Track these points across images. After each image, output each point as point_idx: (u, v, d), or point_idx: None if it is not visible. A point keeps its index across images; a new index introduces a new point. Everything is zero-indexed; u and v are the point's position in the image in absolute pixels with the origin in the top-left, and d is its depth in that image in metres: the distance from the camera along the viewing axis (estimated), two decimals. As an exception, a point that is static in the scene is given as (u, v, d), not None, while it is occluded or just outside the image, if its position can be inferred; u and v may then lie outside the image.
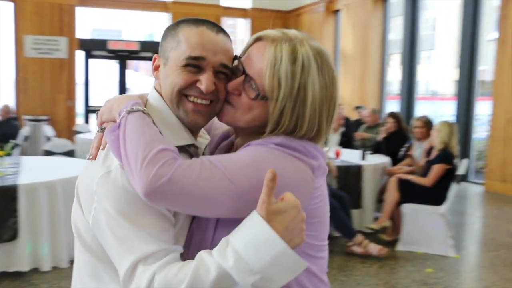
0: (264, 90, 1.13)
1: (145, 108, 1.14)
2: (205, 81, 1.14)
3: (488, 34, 9.36)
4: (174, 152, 1.05)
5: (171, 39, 1.19)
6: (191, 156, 1.18)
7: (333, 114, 1.18)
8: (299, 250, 1.02)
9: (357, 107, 9.29)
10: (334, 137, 6.47)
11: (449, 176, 4.76)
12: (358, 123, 8.27)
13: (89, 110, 11.89)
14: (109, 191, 1.07)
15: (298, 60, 1.12)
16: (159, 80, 1.23)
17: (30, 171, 4.49)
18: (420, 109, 10.23)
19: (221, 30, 1.20)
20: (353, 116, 9.10)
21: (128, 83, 12.51)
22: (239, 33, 13.76)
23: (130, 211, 1.05)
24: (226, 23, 16.15)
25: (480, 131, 9.61)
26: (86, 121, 11.84)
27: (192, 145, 1.21)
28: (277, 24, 13.28)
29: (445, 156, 4.78)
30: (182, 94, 1.17)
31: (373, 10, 10.54)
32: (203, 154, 1.29)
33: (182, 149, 1.16)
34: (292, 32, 1.19)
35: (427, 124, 5.52)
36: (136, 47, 12.27)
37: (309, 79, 1.12)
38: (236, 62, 1.21)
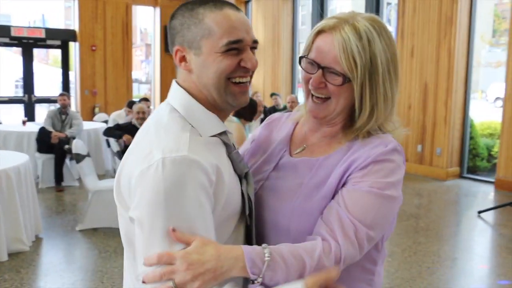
0: (346, 72, 1.21)
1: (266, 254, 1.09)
2: (249, 60, 1.19)
3: (388, 27, 10.16)
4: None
5: (195, 27, 1.16)
6: (224, 143, 1.21)
7: (398, 74, 1.29)
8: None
9: (272, 94, 9.73)
10: (256, 125, 6.79)
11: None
12: (274, 109, 8.69)
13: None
14: (149, 184, 1.05)
15: (363, 35, 1.21)
16: (190, 72, 1.21)
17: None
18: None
19: (237, 7, 1.23)
20: (268, 104, 9.52)
21: (35, 73, 11.92)
22: (149, 21, 13.61)
23: (169, 204, 1.04)
24: (137, 10, 15.90)
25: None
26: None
27: (224, 132, 1.22)
28: (188, 13, 13.40)
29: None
30: (227, 79, 1.18)
31: (282, 1, 10.98)
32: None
33: (214, 137, 1.19)
34: (342, 14, 1.27)
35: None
36: (42, 35, 11.73)
37: (376, 48, 1.21)
38: (304, 61, 1.30)
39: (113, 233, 4.84)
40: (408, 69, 8.19)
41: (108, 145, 6.04)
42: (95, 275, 3.90)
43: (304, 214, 1.23)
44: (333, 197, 1.21)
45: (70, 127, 7.09)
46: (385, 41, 1.24)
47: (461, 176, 7.94)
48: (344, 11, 1.34)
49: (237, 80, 1.19)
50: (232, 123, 4.36)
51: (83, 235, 4.84)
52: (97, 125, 8.28)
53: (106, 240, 4.70)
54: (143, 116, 5.60)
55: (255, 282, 1.05)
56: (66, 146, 6.76)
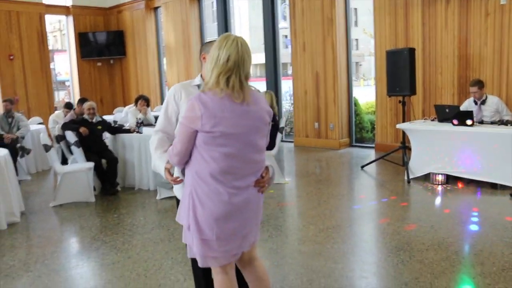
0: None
1: None
2: None
3: (280, 23, 11.82)
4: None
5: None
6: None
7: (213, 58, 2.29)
8: None
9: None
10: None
11: (275, 130, 6.89)
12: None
13: None
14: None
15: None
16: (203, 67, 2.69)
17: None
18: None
19: None
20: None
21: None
22: (69, 28, 14.28)
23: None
24: (52, 20, 16.34)
25: (285, 104, 12.27)
26: None
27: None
28: (99, 20, 14.32)
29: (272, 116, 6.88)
30: None
31: (190, 6, 12.31)
32: None
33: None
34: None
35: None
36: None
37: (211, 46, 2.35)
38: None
39: (78, 206, 6.04)
40: (302, 61, 9.97)
41: (60, 139, 7.06)
42: (70, 234, 5.13)
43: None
44: None
45: (18, 128, 8.00)
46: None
47: (351, 145, 9.87)
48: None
49: None
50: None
51: (56, 210, 5.98)
52: (35, 126, 9.15)
53: (75, 211, 5.88)
54: (93, 112, 6.78)
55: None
56: (18, 145, 7.71)
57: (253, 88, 2.36)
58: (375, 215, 5.29)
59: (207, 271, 2.65)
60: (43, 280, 3.81)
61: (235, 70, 2.22)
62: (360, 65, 33.46)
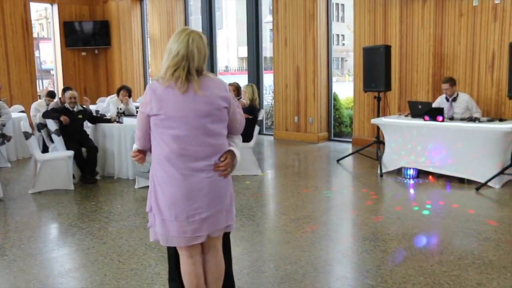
0: None
1: None
2: None
3: (265, 17, 11.98)
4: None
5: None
6: None
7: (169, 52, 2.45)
8: None
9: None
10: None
11: (253, 122, 7.03)
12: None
13: None
14: None
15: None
16: None
17: None
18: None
19: None
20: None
21: None
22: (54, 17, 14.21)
23: None
24: (38, 7, 16.23)
25: (267, 97, 12.41)
26: None
27: None
28: (85, 10, 14.29)
29: (251, 109, 7.03)
30: None
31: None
32: None
33: None
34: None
35: (238, 88, 7.66)
36: None
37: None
38: None
39: (57, 193, 6.15)
40: (283, 56, 10.12)
41: (42, 127, 7.13)
42: (48, 220, 5.24)
43: None
44: None
45: (-1, 116, 8.04)
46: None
47: (329, 139, 10.06)
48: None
49: None
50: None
51: (35, 197, 6.07)
52: (16, 114, 9.19)
53: (53, 198, 5.99)
54: (74, 101, 6.86)
55: None
56: (-1, 132, 7.75)
57: (209, 75, 2.51)
58: (346, 206, 5.48)
59: (177, 253, 2.79)
60: (18, 264, 3.92)
61: (182, 64, 2.39)
62: (346, 60, 33.69)
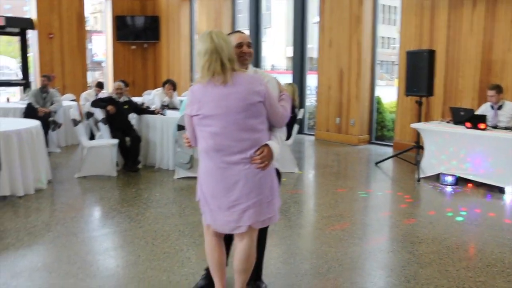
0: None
1: None
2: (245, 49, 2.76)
3: (313, 18, 12.01)
4: None
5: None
6: None
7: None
8: None
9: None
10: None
11: (292, 121, 7.12)
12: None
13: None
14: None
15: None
16: None
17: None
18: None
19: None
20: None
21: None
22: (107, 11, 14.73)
23: None
24: (94, 1, 16.89)
25: (311, 97, 12.46)
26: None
27: None
28: (136, 5, 14.75)
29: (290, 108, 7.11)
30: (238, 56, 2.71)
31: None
32: None
33: None
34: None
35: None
36: (2, 22, 12.67)
37: None
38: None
39: (101, 178, 6.44)
40: (327, 57, 10.15)
41: (90, 116, 7.48)
42: (90, 203, 5.51)
43: None
44: None
45: (51, 103, 8.47)
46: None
47: (370, 142, 10.02)
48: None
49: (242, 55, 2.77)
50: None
51: (80, 181, 6.39)
52: (67, 103, 9.63)
53: (97, 183, 6.28)
54: (120, 91, 7.16)
55: None
56: (50, 119, 8.18)
57: (243, 71, 2.65)
58: (378, 208, 5.49)
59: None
60: (61, 240, 4.19)
61: (214, 57, 2.52)
62: (396, 64, 33.11)
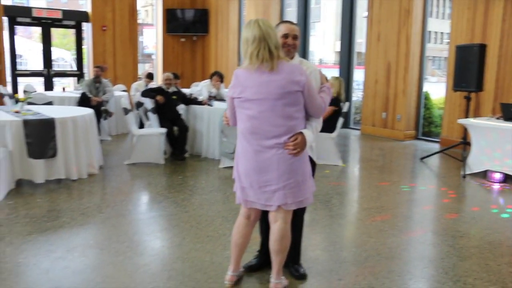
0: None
1: None
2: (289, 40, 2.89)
3: (363, 12, 11.91)
4: None
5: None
6: None
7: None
8: None
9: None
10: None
11: (337, 114, 7.15)
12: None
13: (17, 74, 12.77)
14: None
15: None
16: None
17: (46, 112, 6.09)
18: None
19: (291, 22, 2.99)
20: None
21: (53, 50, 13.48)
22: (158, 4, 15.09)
23: None
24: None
25: (358, 92, 12.40)
26: (14, 85, 12.72)
27: None
28: (187, -2, 15.04)
29: (336, 101, 7.15)
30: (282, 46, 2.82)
31: (273, -9, 12.66)
32: None
33: None
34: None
35: (326, 79, 7.81)
36: (59, 15, 13.24)
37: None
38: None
39: (149, 166, 6.70)
40: (375, 51, 10.07)
41: (139, 106, 7.76)
42: (139, 188, 5.75)
43: None
44: None
45: (103, 93, 8.84)
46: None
47: (416, 137, 9.89)
48: None
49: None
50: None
51: (129, 167, 6.67)
52: (118, 93, 9.99)
53: (145, 169, 6.54)
54: (169, 82, 7.39)
55: None
56: (102, 108, 8.53)
57: (288, 60, 2.77)
58: (420, 202, 5.46)
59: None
60: (111, 221, 4.43)
61: (262, 45, 2.63)
62: (448, 60, 32.10)
